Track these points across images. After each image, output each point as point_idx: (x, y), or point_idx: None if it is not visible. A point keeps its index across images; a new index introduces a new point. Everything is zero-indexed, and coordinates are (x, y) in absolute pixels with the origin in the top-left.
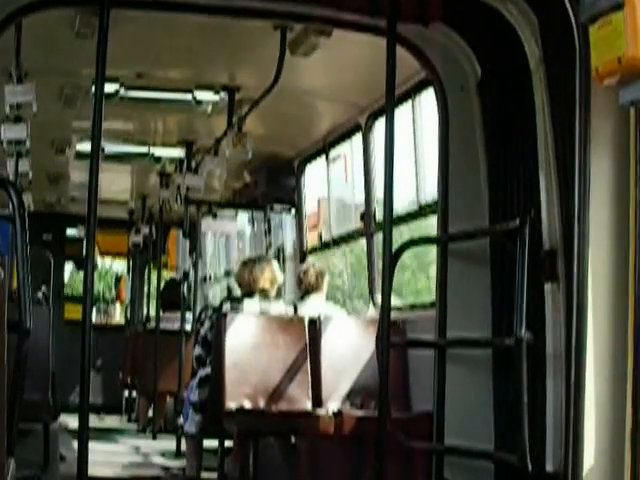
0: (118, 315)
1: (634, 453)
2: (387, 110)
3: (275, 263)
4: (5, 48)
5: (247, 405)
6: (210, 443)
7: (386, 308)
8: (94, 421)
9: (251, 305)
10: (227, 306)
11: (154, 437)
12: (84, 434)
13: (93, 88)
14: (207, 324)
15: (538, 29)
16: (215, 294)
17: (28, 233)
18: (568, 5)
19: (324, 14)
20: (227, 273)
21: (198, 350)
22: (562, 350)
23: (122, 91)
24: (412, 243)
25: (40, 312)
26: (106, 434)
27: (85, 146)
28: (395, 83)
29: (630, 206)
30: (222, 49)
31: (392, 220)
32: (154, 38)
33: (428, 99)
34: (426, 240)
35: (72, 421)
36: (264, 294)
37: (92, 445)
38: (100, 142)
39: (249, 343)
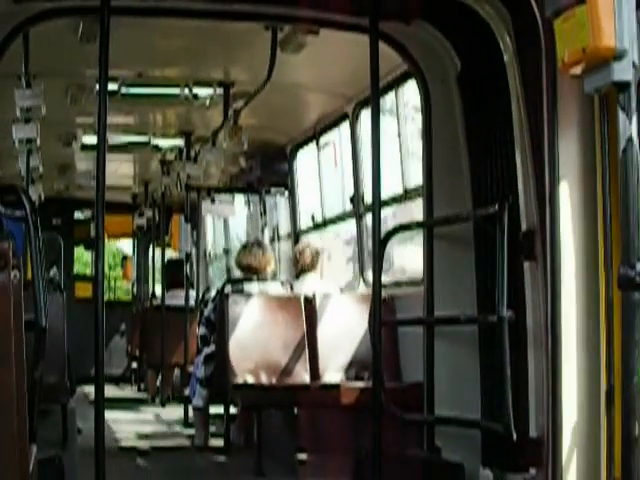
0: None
1: (609, 418)
2: (372, 102)
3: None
4: (15, 55)
5: (250, 380)
6: (215, 409)
7: (377, 290)
8: (114, 391)
9: (250, 286)
10: (229, 288)
11: (163, 405)
12: (100, 413)
13: (97, 87)
14: (210, 306)
15: (511, 25)
16: (214, 272)
17: (40, 230)
18: (533, 2)
19: (310, 15)
20: (226, 251)
21: (202, 330)
22: (541, 324)
23: (123, 89)
24: (400, 228)
25: (54, 297)
26: (121, 404)
27: (89, 139)
28: (379, 78)
29: (597, 186)
30: (217, 48)
31: (380, 202)
32: (153, 40)
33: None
34: (413, 225)
35: (92, 391)
36: (264, 275)
37: (111, 415)
38: (105, 135)
39: (250, 322)
